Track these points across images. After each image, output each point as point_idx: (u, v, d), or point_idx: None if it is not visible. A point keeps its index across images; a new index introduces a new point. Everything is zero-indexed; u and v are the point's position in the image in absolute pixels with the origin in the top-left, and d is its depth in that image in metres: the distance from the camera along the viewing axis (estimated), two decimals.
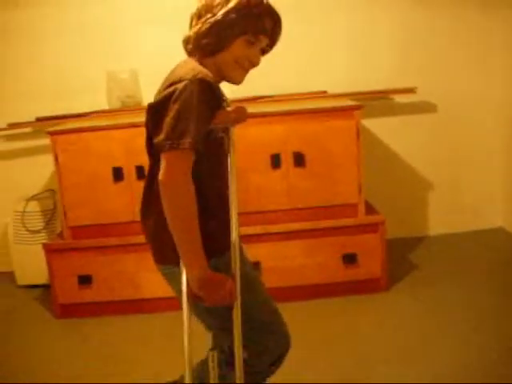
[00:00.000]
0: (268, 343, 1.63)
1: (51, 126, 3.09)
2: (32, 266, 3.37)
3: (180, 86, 1.37)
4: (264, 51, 1.59)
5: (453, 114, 3.72)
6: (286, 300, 2.91)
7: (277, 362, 1.68)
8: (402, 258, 3.47)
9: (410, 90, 3.53)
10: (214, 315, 1.55)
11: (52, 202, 3.46)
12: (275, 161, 2.89)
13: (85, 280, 2.96)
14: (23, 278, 3.50)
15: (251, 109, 3.04)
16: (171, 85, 1.40)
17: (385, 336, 2.60)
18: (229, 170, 1.50)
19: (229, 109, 1.48)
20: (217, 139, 1.49)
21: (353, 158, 2.92)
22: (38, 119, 3.47)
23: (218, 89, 1.48)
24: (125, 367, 2.49)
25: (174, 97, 1.37)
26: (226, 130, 1.51)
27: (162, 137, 1.36)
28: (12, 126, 3.51)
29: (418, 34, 3.61)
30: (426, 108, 3.69)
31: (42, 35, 3.52)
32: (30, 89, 3.54)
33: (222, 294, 1.41)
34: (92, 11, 3.48)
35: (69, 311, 3.00)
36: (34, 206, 3.43)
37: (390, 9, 3.59)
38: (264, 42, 1.54)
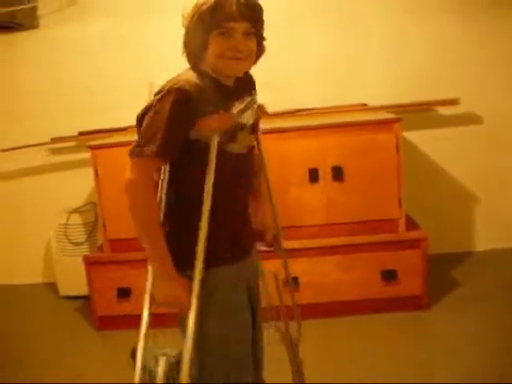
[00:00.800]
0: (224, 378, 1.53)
1: (93, 140, 3.14)
2: (74, 277, 3.41)
3: (158, 97, 1.44)
4: (256, 34, 1.50)
5: (499, 125, 3.59)
6: (323, 316, 2.88)
7: None
8: (445, 274, 3.36)
9: (454, 102, 3.43)
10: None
11: (93, 215, 3.51)
12: (313, 175, 2.85)
13: (124, 293, 2.98)
14: (65, 289, 3.57)
15: (289, 122, 3.05)
16: (154, 96, 1.47)
17: (422, 356, 2.51)
18: (206, 180, 1.45)
19: (212, 116, 1.47)
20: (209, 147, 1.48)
21: (393, 171, 2.85)
22: (80, 133, 3.54)
23: (207, 94, 1.46)
24: None
25: (152, 108, 1.45)
26: (231, 138, 1.51)
27: (133, 144, 1.45)
28: (55, 140, 3.60)
29: (458, 44, 3.52)
30: (470, 119, 3.59)
31: (86, 49, 3.60)
32: (72, 103, 3.62)
33: (173, 295, 1.45)
34: (132, 24, 3.54)
35: (108, 323, 3.03)
36: (76, 219, 3.49)
37: (428, 19, 3.50)
38: (240, 26, 1.46)
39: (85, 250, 3.45)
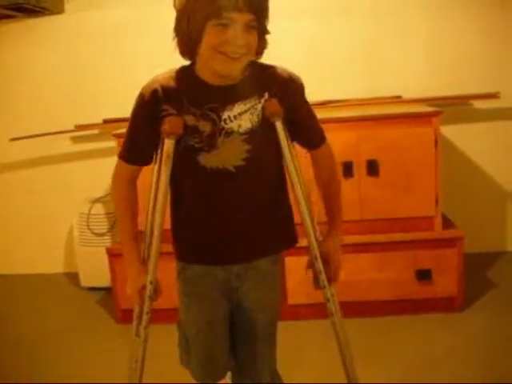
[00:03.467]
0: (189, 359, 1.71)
1: (118, 129, 3.06)
2: (96, 268, 3.35)
3: None
4: (258, 28, 1.31)
5: None
6: (355, 315, 2.77)
7: None
8: (479, 275, 3.24)
9: (493, 95, 3.30)
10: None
11: None
12: (347, 169, 2.74)
13: None
14: (87, 280, 3.50)
15: (322, 114, 2.92)
16: None
17: (455, 359, 2.41)
18: (159, 182, 1.47)
19: (166, 119, 1.40)
20: (186, 148, 1.42)
21: (430, 167, 2.73)
22: (105, 121, 3.46)
23: (177, 95, 1.39)
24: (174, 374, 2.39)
25: None
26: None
27: None
28: (79, 127, 3.52)
29: (497, 35, 3.37)
30: (509, 114, 3.45)
31: (110, 35, 3.51)
32: (96, 90, 3.55)
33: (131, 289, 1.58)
34: (157, 8, 3.41)
35: (130, 317, 2.95)
36: (99, 209, 3.42)
37: (469, 10, 3.36)
38: (242, 17, 1.26)
39: (107, 240, 3.38)
